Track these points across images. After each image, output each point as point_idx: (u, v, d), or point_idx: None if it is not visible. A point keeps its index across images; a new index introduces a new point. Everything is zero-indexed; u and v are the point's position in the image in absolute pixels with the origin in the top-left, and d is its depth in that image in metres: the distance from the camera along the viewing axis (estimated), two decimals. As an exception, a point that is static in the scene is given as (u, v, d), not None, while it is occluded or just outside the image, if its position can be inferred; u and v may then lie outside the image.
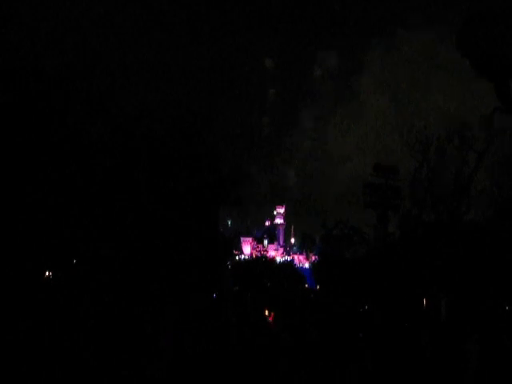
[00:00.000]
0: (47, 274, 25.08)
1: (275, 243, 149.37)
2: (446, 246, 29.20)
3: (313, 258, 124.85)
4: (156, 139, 25.98)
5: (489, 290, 26.61)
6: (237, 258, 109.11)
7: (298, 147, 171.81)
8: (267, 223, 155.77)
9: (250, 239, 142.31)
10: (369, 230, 42.08)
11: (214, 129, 32.13)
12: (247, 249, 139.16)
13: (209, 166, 29.76)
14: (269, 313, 29.06)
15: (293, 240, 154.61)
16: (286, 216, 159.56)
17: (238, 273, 64.79)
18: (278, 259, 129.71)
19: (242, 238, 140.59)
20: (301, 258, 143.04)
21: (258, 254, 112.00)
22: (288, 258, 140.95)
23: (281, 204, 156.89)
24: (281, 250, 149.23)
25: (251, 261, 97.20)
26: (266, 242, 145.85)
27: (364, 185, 38.35)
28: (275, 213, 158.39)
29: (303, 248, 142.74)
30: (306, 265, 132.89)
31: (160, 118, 27.28)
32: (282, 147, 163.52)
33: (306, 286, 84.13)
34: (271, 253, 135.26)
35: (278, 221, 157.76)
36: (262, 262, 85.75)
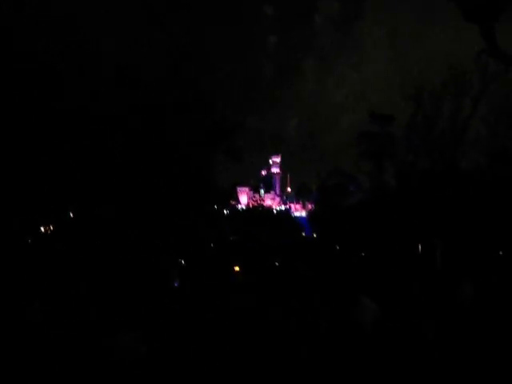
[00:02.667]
0: (43, 229, 25.30)
1: (272, 192, 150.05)
2: (440, 193, 29.40)
3: (309, 206, 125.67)
4: (145, 85, 25.63)
5: (483, 237, 26.98)
6: (234, 207, 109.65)
7: (298, 97, 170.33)
8: (263, 172, 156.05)
9: (247, 189, 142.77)
10: (365, 179, 42.24)
11: (209, 74, 31.79)
12: (244, 199, 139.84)
13: (203, 111, 29.56)
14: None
15: (289, 189, 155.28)
16: (282, 165, 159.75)
17: (235, 222, 65.29)
18: (275, 208, 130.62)
19: (238, 188, 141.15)
20: (297, 206, 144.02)
21: (255, 204, 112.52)
22: (285, 207, 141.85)
23: (277, 153, 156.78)
24: (277, 199, 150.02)
25: (248, 210, 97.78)
26: (262, 191, 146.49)
27: (359, 134, 38.21)
28: (271, 162, 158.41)
29: (300, 197, 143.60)
30: (303, 213, 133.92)
31: (149, 62, 26.77)
32: (282, 97, 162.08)
33: (303, 234, 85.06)
34: (268, 202, 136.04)
35: (275, 170, 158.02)
36: (258, 212, 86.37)
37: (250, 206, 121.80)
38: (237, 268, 25.17)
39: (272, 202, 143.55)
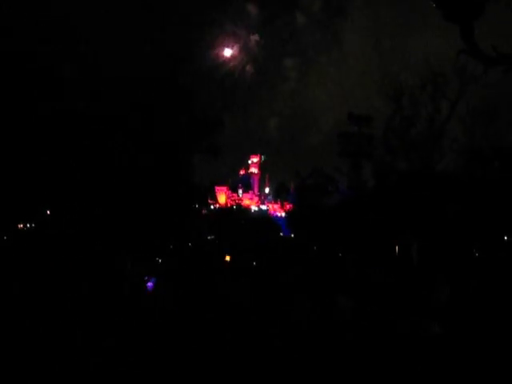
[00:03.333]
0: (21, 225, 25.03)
1: (250, 192, 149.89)
2: (417, 193, 29.67)
3: (287, 207, 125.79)
4: (122, 80, 25.42)
5: (460, 237, 27.27)
6: (212, 207, 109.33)
7: (279, 96, 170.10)
8: (242, 172, 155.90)
9: (225, 188, 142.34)
10: (343, 179, 42.49)
11: (189, 71, 31.74)
12: (222, 198, 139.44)
13: (183, 108, 29.47)
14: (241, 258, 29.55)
15: (267, 189, 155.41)
16: (260, 165, 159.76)
17: (213, 221, 65.07)
18: (253, 208, 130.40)
19: (217, 187, 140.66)
20: (275, 206, 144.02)
21: (233, 203, 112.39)
22: (263, 206, 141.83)
23: (255, 153, 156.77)
24: (256, 199, 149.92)
25: (226, 210, 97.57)
26: (240, 191, 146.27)
27: (339, 134, 38.52)
28: (250, 162, 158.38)
29: (278, 197, 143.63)
30: (281, 213, 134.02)
31: (128, 57, 26.60)
32: (262, 95, 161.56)
33: (281, 234, 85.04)
34: (246, 202, 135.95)
35: (253, 170, 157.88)
36: (236, 211, 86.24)
37: (228, 205, 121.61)
38: (227, 258, 25.05)
39: (250, 201, 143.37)
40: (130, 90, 25.78)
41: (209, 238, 54.79)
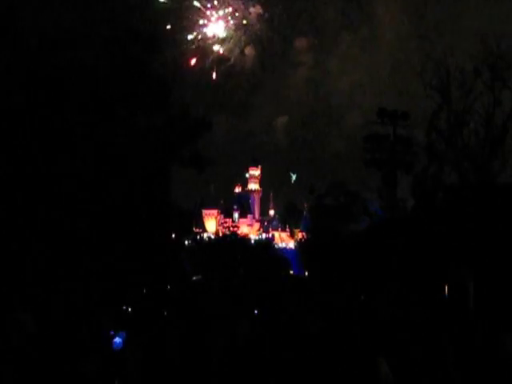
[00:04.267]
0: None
1: (248, 216, 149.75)
2: (473, 215, 29.51)
3: (299, 235, 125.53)
4: (83, 68, 25.66)
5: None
6: (198, 237, 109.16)
7: (287, 88, 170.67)
8: (238, 190, 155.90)
9: (216, 211, 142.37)
10: (372, 197, 42.37)
11: (164, 57, 31.95)
12: (212, 224, 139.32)
13: (156, 105, 29.67)
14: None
15: (272, 212, 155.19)
16: (262, 180, 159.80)
17: (199, 258, 64.95)
18: (253, 237, 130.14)
19: (204, 211, 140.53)
20: (283, 235, 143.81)
21: (227, 232, 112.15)
22: (266, 235, 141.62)
23: (255, 165, 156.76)
24: (256, 226, 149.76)
25: (217, 240, 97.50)
26: (236, 214, 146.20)
27: (366, 137, 38.38)
28: (248, 176, 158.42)
29: (286, 222, 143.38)
30: (291, 244, 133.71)
31: (89, 41, 26.92)
32: (265, 88, 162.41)
33: (291, 272, 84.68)
34: (243, 229, 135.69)
35: (253, 186, 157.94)
36: (231, 242, 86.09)
37: (220, 234, 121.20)
38: None
39: (249, 229, 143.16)
40: (88, 79, 25.98)
41: (194, 278, 54.65)
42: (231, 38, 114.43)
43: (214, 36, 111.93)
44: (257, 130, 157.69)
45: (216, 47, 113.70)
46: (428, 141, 35.23)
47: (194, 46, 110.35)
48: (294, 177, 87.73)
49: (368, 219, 43.54)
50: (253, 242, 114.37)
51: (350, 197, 48.61)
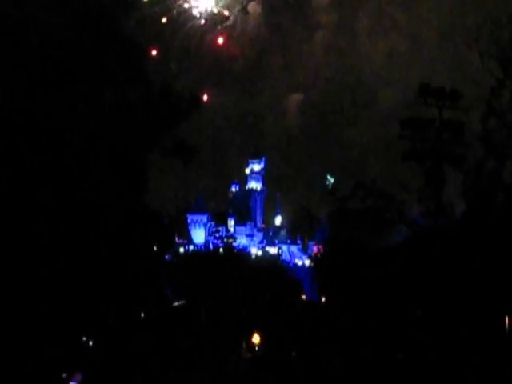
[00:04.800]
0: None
1: (248, 224, 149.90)
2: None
3: (315, 249, 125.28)
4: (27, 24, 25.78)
5: None
6: (182, 249, 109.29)
7: (301, 59, 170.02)
8: (234, 189, 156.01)
9: (205, 217, 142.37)
10: (411, 200, 42.24)
11: (143, 13, 32.00)
12: (200, 234, 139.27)
13: (131, 77, 29.70)
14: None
15: (279, 219, 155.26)
16: (266, 177, 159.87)
17: (183, 277, 64.93)
18: (254, 252, 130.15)
19: (190, 217, 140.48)
20: (294, 249, 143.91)
21: (219, 244, 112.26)
22: (271, 249, 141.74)
23: (258, 157, 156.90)
24: (258, 237, 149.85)
25: (207, 255, 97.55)
26: (232, 221, 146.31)
27: (403, 122, 38.36)
28: (248, 171, 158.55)
29: (297, 233, 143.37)
30: (303, 261, 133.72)
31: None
32: (273, 57, 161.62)
33: (304, 297, 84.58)
34: (241, 240, 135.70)
35: (254, 185, 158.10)
36: (225, 258, 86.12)
37: (211, 246, 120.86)
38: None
39: (249, 240, 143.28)
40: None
41: (176, 304, 54.65)
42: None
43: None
44: (262, 111, 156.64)
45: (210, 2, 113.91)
46: (484, 127, 35.17)
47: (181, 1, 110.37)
48: (331, 180, 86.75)
49: (405, 229, 43.40)
50: (254, 257, 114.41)
51: (381, 200, 48.43)
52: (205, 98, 42.04)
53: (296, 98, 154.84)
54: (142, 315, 38.94)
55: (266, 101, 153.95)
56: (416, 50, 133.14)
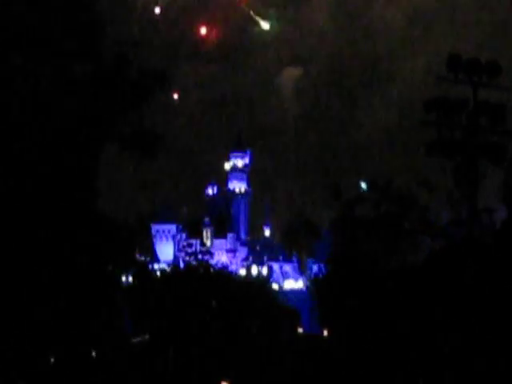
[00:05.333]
0: None
1: (229, 236, 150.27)
2: None
3: (315, 268, 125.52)
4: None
5: None
6: (144, 269, 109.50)
7: (300, 21, 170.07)
8: (211, 191, 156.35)
9: (174, 228, 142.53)
10: (438, 205, 42.47)
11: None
12: (167, 249, 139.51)
13: (79, 48, 29.90)
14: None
15: (268, 230, 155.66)
16: (252, 175, 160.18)
17: (145, 304, 65.07)
18: (238, 272, 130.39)
19: (154, 227, 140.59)
20: (288, 268, 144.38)
21: (192, 261, 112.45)
22: (259, 268, 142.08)
23: (242, 149, 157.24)
24: (243, 252, 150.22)
25: (176, 276, 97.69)
26: (208, 232, 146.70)
27: (427, 103, 38.54)
28: (229, 167, 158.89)
29: (292, 247, 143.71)
30: (300, 284, 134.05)
31: None
32: (258, 24, 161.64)
33: (301, 330, 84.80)
34: (221, 258, 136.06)
35: (237, 185, 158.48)
36: (199, 279, 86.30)
37: (181, 265, 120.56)
38: None
39: (230, 257, 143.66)
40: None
41: (136, 340, 54.83)
42: None
43: None
44: (249, 90, 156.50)
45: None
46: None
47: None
48: (364, 186, 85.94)
49: (430, 242, 43.70)
50: (236, 279, 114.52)
51: (399, 205, 48.81)
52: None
53: (292, 73, 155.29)
54: (93, 354, 38.96)
55: (254, 77, 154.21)
56: (444, 11, 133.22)
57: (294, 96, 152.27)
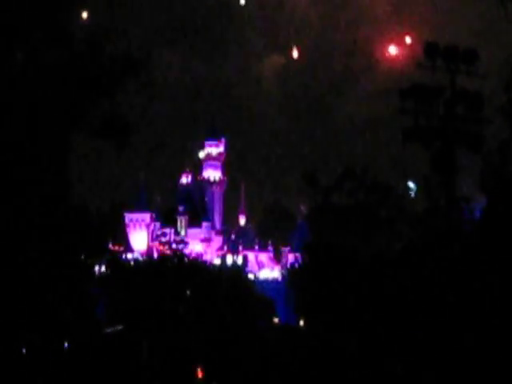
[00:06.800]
0: None
1: (204, 225, 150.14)
2: None
3: (290, 257, 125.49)
4: None
5: None
6: (118, 259, 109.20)
7: (282, 8, 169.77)
8: (185, 180, 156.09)
9: (148, 216, 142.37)
10: (414, 193, 42.45)
11: None
12: (141, 239, 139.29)
13: (46, 31, 29.70)
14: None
15: (243, 219, 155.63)
16: (227, 163, 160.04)
17: (119, 295, 64.87)
18: (212, 261, 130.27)
19: (128, 216, 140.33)
20: (263, 257, 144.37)
21: (166, 251, 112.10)
22: (234, 257, 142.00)
23: (216, 137, 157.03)
24: (217, 241, 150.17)
25: (150, 266, 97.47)
26: (182, 221, 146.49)
27: (403, 91, 38.48)
28: (203, 155, 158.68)
29: (268, 237, 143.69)
30: (275, 273, 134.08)
31: None
32: (246, 9, 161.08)
33: (277, 320, 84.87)
34: (195, 247, 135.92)
35: (211, 174, 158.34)
36: (174, 269, 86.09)
37: (155, 254, 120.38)
38: None
39: (205, 246, 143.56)
40: None
41: (110, 330, 54.63)
42: None
43: None
44: (227, 78, 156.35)
45: None
46: (509, 98, 35.42)
47: None
48: (413, 187, 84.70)
49: (407, 231, 43.67)
50: (211, 268, 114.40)
51: (376, 193, 48.78)
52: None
53: (274, 61, 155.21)
54: (66, 345, 38.75)
55: (233, 64, 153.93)
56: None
57: (274, 83, 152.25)
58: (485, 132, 36.99)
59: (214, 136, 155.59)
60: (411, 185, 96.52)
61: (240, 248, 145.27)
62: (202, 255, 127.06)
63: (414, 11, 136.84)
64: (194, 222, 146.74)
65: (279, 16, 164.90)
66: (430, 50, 37.75)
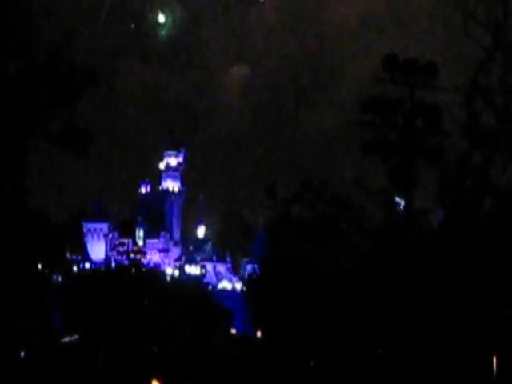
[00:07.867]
0: None
1: (162, 236, 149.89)
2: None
3: (249, 268, 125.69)
4: None
5: None
6: (75, 268, 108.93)
7: (248, 20, 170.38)
8: (144, 189, 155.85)
9: (105, 227, 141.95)
10: (373, 206, 42.58)
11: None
12: (99, 248, 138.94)
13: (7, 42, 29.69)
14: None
15: (202, 230, 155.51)
16: (186, 174, 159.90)
17: (76, 304, 64.61)
18: (170, 271, 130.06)
19: (86, 225, 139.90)
20: (221, 268, 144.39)
21: (124, 261, 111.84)
22: (192, 268, 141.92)
23: (175, 147, 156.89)
24: (176, 252, 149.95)
25: (108, 275, 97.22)
26: (141, 232, 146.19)
27: (363, 103, 38.58)
28: (162, 166, 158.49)
29: (226, 247, 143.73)
30: (235, 284, 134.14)
31: None
32: (211, 22, 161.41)
33: (234, 331, 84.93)
34: (154, 257, 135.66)
35: (170, 184, 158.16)
36: (131, 279, 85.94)
37: (113, 264, 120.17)
38: None
39: (162, 257, 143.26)
40: None
41: (67, 339, 54.44)
42: None
43: None
44: (189, 88, 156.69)
45: None
46: (468, 112, 35.55)
47: None
48: (402, 203, 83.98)
49: (365, 244, 43.75)
50: (168, 279, 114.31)
51: (334, 205, 48.85)
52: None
53: (241, 72, 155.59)
54: (22, 354, 38.61)
55: (197, 75, 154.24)
56: (394, 13, 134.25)
57: (239, 94, 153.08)
58: (444, 145, 37.19)
59: (174, 147, 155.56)
60: (400, 201, 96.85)
61: (198, 259, 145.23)
62: (160, 265, 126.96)
63: (380, 24, 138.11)
64: (152, 233, 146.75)
65: (244, 28, 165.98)
66: (389, 63, 37.88)
